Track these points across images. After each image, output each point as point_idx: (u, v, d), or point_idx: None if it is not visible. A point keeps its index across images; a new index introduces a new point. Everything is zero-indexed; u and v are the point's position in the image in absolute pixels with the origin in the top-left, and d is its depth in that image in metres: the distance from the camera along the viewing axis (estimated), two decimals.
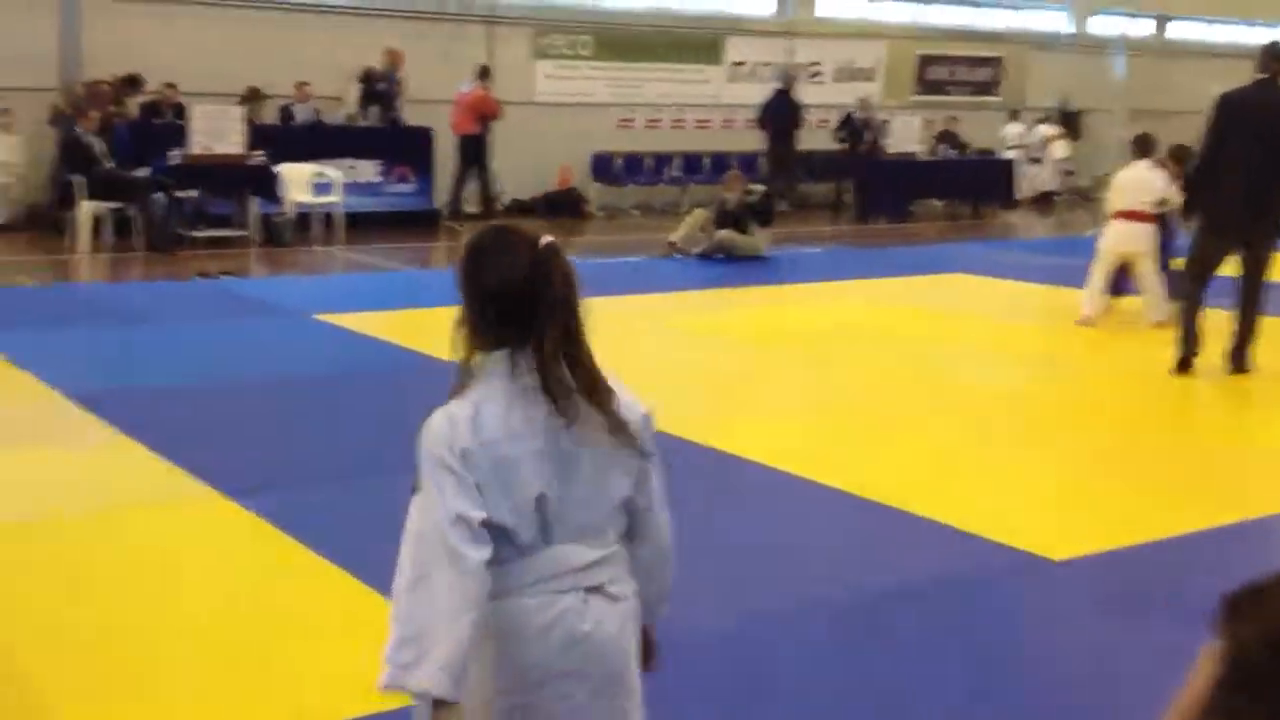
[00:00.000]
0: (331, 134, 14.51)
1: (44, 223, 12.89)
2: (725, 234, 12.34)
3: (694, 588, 4.27)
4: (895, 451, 5.93)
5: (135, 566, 4.25)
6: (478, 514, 1.96)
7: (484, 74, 15.22)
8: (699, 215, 12.75)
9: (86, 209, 11.70)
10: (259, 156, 12.72)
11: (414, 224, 14.30)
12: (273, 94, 14.27)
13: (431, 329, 9.00)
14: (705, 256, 12.30)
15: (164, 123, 13.42)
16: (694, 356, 8.07)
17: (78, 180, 11.74)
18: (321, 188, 13.34)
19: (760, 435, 6.07)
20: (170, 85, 13.68)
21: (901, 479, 5.42)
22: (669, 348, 8.25)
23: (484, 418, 2.00)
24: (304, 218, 13.06)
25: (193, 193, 12.48)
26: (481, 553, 1.95)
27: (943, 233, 16.10)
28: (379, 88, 14.93)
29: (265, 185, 12.76)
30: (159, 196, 12.04)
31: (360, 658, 3.63)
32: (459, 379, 2.06)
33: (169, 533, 4.59)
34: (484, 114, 15.05)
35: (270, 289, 10.11)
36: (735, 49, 18.45)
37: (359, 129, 14.86)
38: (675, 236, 12.53)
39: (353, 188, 13.99)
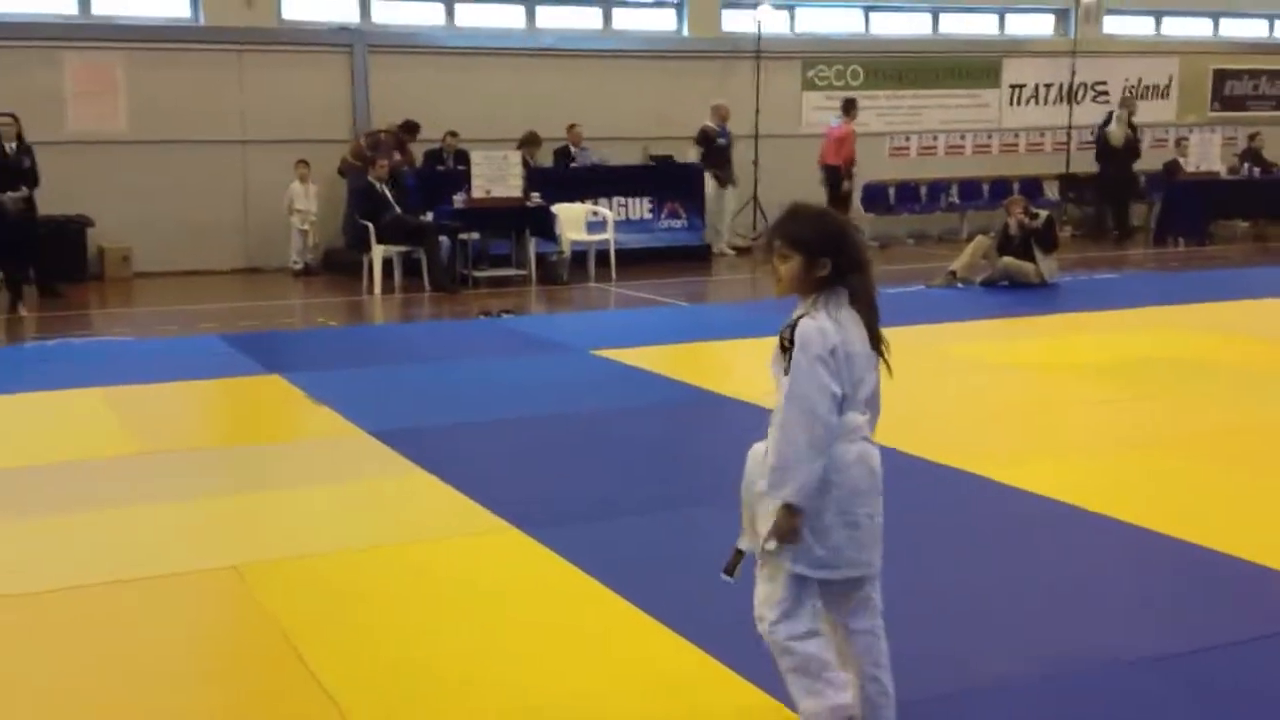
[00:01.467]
0: (603, 174, 14.74)
1: (340, 266, 13.61)
2: (1008, 261, 11.78)
3: (998, 633, 3.93)
4: (1217, 490, 5.35)
5: (440, 598, 4.25)
6: (839, 390, 2.93)
7: (848, 108, 15.22)
8: (980, 242, 12.22)
9: (378, 253, 12.27)
10: (536, 198, 13.04)
11: (684, 259, 14.33)
12: (547, 137, 14.65)
13: (705, 363, 8.97)
14: (988, 285, 11.77)
15: (447, 169, 13.97)
16: (983, 389, 7.63)
17: (369, 226, 12.33)
18: (595, 226, 13.55)
19: (1064, 472, 5.60)
20: (452, 133, 14.24)
21: (1225, 520, 4.87)
22: (956, 380, 7.83)
23: (839, 329, 2.96)
24: (579, 255, 13.28)
25: (474, 235, 12.91)
26: (835, 417, 2.93)
27: (1249, 256, 14.86)
28: (719, 144, 15.09)
29: (542, 225, 13.06)
30: (443, 239, 12.52)
31: (656, 697, 3.56)
32: (807, 307, 2.99)
33: (470, 565, 4.59)
34: (841, 149, 15.07)
35: (549, 326, 10.26)
36: (1014, 71, 17.75)
37: (630, 168, 15.04)
38: (956, 265, 12.04)
39: (625, 225, 14.16)
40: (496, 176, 12.81)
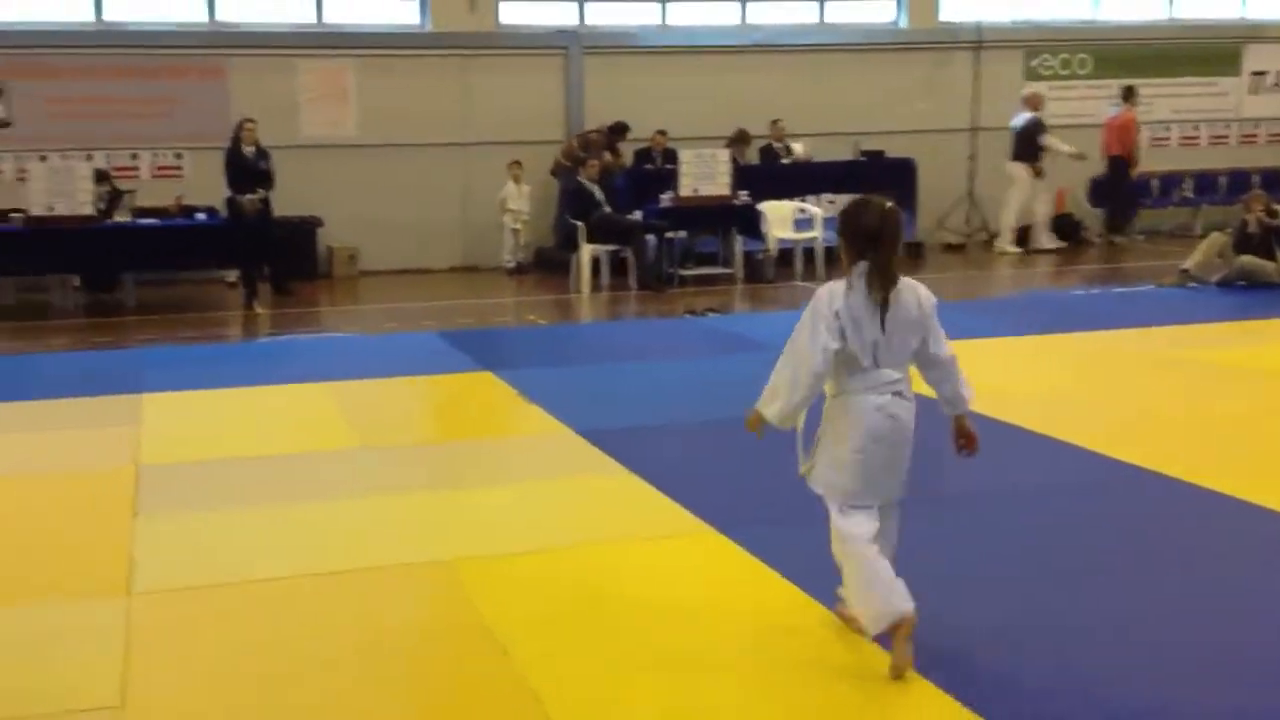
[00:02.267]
0: (811, 170, 14.55)
1: (550, 265, 13.88)
2: (1247, 259, 11.05)
3: (1248, 664, 3.66)
4: None
5: (643, 599, 4.24)
6: (833, 345, 3.51)
7: (1129, 95, 14.78)
8: (1216, 240, 11.49)
9: (586, 252, 12.45)
10: (744, 196, 12.97)
11: None
12: (757, 134, 14.56)
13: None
14: (1224, 285, 11.06)
15: (655, 168, 14.06)
16: (1222, 398, 7.15)
17: (579, 225, 12.52)
18: (802, 224, 13.39)
19: None
20: (661, 132, 14.32)
21: None
22: (1191, 388, 7.38)
23: (849, 295, 3.53)
24: (785, 254, 13.15)
25: (681, 233, 12.94)
26: (824, 367, 3.52)
27: None
28: (1042, 140, 14.72)
29: (749, 223, 12.99)
30: (650, 238, 12.60)
31: (867, 707, 3.47)
32: (847, 276, 3.55)
33: (673, 567, 4.58)
34: (1124, 138, 14.61)
35: (754, 325, 10.18)
36: (1256, 57, 16.65)
37: (839, 164, 14.80)
38: (1189, 263, 11.36)
39: (833, 222, 13.90)
40: (704, 175, 12.81)
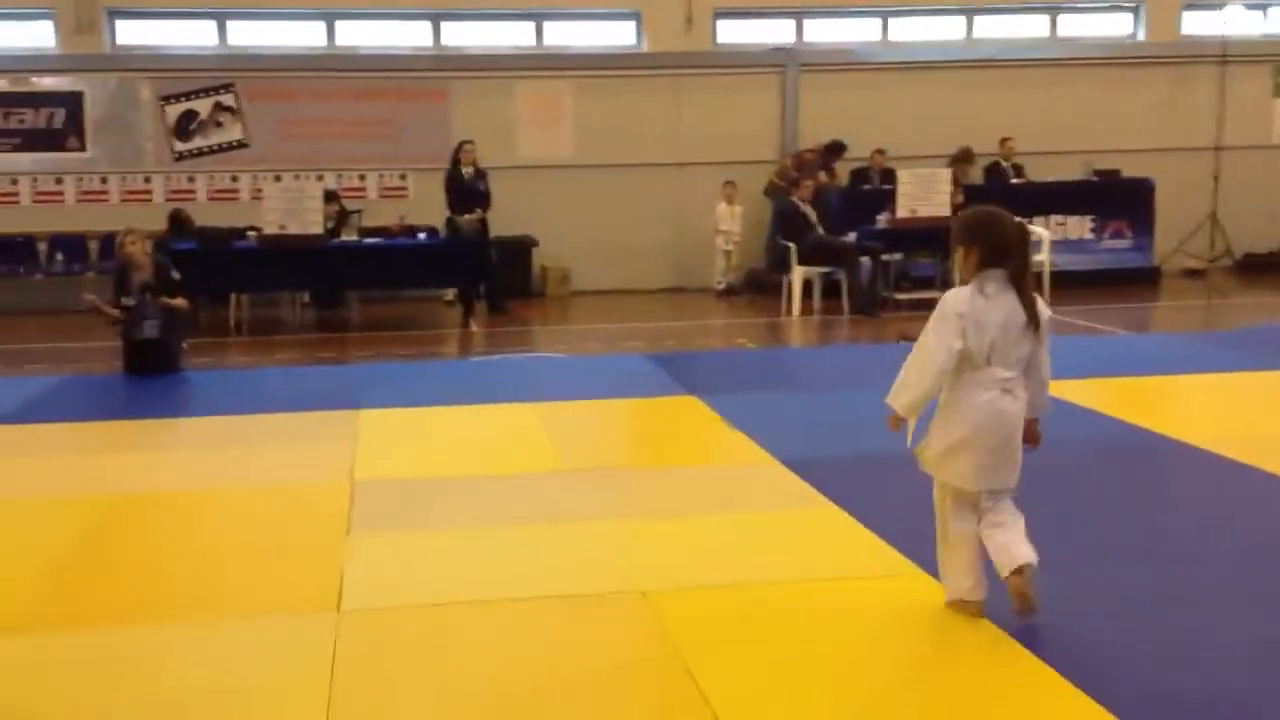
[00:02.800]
0: (1041, 190, 13.92)
1: (761, 287, 13.71)
2: None
3: None
4: None
5: (845, 641, 4.03)
6: (958, 345, 3.89)
7: None
8: None
9: (798, 274, 12.21)
10: None
11: (1128, 282, 13.24)
12: (981, 153, 14.04)
13: (1150, 400, 8.17)
14: None
15: (872, 188, 13.71)
16: None
17: (790, 247, 12.30)
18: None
19: None
20: (879, 151, 13.97)
21: None
22: None
23: (974, 299, 3.89)
24: None
25: (897, 255, 12.57)
26: (950, 364, 3.91)
27: None
28: None
29: None
30: (865, 260, 12.27)
31: None
32: (973, 282, 3.91)
33: (879, 609, 4.33)
34: None
35: None
36: None
37: (1069, 184, 14.12)
38: None
39: (1061, 245, 13.28)
40: (923, 195, 12.41)
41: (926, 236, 12.50)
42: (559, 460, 6.52)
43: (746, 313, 12.85)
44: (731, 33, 14.98)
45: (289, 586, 4.66)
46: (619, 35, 14.89)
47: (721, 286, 14.13)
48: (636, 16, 14.73)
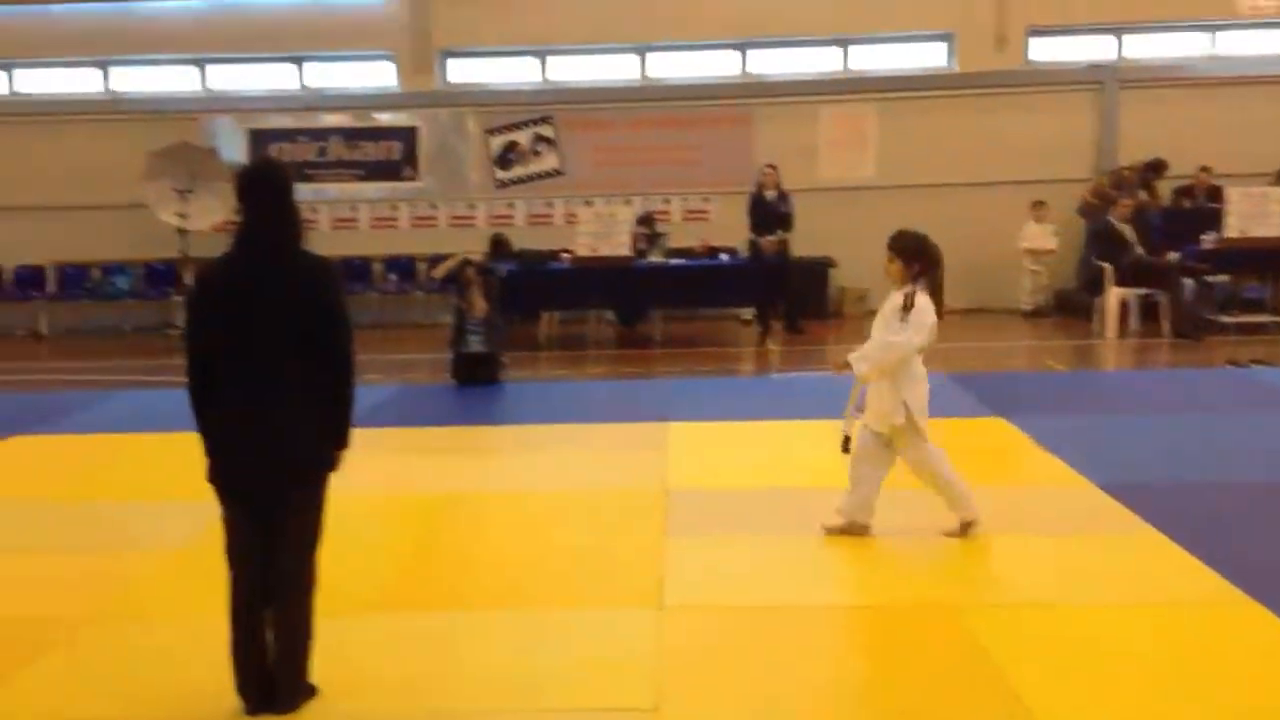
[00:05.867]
0: None
1: (1071, 308, 13.22)
2: None
3: None
4: None
5: (1166, 666, 3.92)
6: (924, 343, 5.18)
7: None
8: None
9: (1114, 295, 11.72)
10: None
11: None
12: None
13: None
14: None
15: (1195, 207, 13.00)
16: None
17: (1106, 267, 11.83)
18: None
19: None
20: (1205, 169, 13.23)
21: None
22: None
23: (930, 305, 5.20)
24: None
25: (1224, 277, 11.86)
26: (915, 355, 5.23)
27: None
28: None
29: None
30: (1188, 282, 11.65)
31: None
32: (907, 289, 5.18)
33: (1202, 635, 4.19)
34: None
35: None
36: None
37: None
38: None
39: None
40: (1255, 214, 11.69)
41: (1259, 258, 11.74)
42: (839, 476, 6.55)
43: (1055, 335, 12.43)
44: (1044, 50, 14.56)
45: (614, 581, 4.94)
46: (929, 56, 14.75)
47: (1028, 308, 13.71)
48: (949, 38, 14.56)
